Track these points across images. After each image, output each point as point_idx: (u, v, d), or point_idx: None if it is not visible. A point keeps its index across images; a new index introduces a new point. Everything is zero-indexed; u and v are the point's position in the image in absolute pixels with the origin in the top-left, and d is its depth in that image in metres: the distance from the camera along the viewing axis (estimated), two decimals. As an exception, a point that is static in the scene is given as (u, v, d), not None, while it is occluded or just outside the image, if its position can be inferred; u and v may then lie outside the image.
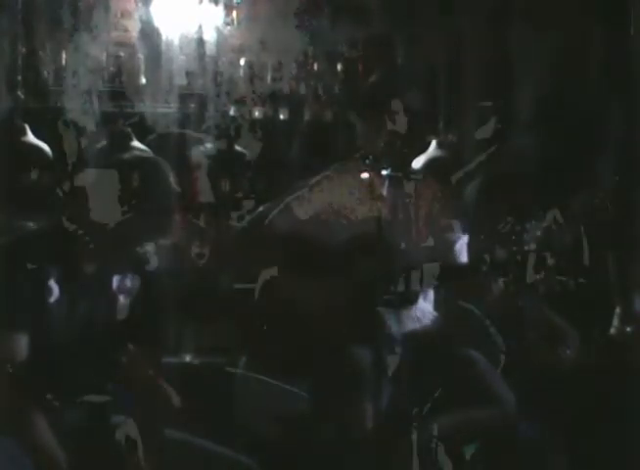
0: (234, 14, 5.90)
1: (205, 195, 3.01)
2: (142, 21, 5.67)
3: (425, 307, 3.40)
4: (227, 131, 5.31)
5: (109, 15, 5.58)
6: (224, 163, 5.32)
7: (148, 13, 5.65)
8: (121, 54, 5.91)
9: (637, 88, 3.63)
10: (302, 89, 6.15)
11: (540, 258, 3.18)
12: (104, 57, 5.76)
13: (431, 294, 3.44)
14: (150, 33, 5.65)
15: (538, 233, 3.20)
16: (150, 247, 2.94)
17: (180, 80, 5.68)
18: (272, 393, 2.97)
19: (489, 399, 3.19)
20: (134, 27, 5.75)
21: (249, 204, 5.81)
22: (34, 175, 4.77)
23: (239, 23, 5.91)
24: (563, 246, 3.37)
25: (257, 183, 5.41)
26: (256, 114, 5.96)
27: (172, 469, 2.63)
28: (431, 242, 3.51)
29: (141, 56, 5.79)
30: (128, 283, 2.84)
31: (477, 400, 3.16)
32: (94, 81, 5.49)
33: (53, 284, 2.75)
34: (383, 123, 3.44)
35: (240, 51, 6.03)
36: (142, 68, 5.82)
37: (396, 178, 3.31)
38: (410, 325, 3.33)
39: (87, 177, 2.83)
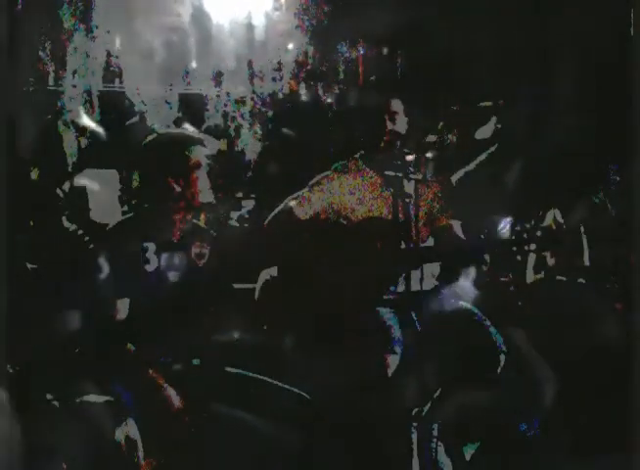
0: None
1: (205, 195, 3.01)
2: (193, 5, 5.76)
3: (465, 285, 3.41)
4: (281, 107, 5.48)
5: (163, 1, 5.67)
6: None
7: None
8: (174, 38, 5.97)
9: (637, 88, 3.63)
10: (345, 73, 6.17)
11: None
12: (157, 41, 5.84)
13: (472, 272, 3.44)
14: (201, 18, 5.76)
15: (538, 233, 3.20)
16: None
17: (230, 64, 5.81)
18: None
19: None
20: (186, 12, 5.83)
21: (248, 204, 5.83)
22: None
23: (287, 9, 5.97)
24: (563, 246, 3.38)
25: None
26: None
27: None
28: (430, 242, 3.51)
29: (192, 40, 5.89)
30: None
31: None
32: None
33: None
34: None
35: (288, 35, 6.06)
36: (193, 52, 5.93)
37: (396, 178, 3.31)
38: (451, 302, 3.36)
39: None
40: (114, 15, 5.39)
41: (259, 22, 5.80)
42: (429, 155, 3.56)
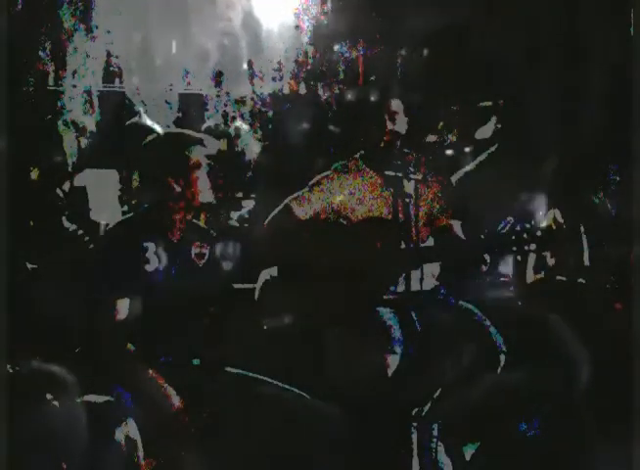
0: (328, 4, 6.04)
1: (205, 195, 3.01)
2: (244, 11, 5.87)
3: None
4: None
5: (215, 6, 5.78)
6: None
7: (250, 4, 5.88)
8: (226, 42, 6.04)
9: (637, 88, 3.63)
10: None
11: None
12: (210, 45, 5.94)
13: (509, 260, 3.45)
14: (251, 23, 5.88)
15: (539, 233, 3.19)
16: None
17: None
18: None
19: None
20: (237, 17, 5.93)
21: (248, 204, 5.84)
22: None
23: (332, 13, 6.05)
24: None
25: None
26: (349, 96, 6.08)
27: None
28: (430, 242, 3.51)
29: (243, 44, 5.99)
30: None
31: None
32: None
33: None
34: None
35: (333, 38, 6.11)
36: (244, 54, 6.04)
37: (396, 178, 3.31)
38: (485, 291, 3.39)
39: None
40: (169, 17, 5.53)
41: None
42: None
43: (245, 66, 6.09)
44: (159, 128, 5.63)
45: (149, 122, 5.82)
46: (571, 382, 3.25)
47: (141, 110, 5.83)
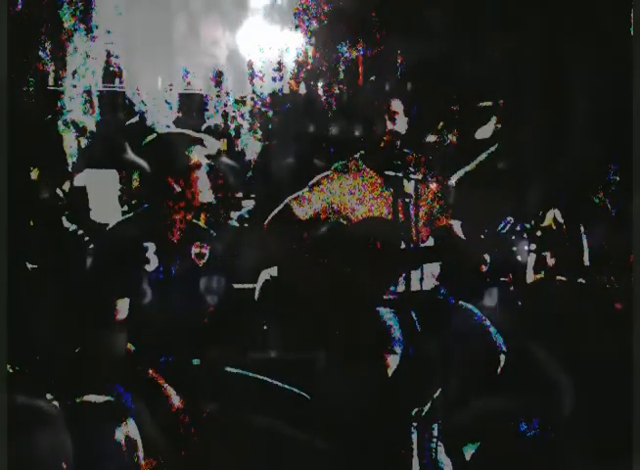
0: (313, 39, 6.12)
1: (205, 195, 3.00)
2: (229, 48, 5.96)
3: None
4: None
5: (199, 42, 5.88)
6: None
7: (234, 40, 5.98)
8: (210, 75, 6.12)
9: (638, 88, 3.63)
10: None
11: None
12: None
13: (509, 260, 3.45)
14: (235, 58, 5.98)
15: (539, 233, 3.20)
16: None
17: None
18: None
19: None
20: (222, 54, 6.02)
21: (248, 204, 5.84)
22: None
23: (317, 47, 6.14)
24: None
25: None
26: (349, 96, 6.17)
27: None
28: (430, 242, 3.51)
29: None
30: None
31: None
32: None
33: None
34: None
35: (333, 38, 6.16)
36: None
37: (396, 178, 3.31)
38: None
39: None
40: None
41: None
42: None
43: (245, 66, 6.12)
44: (158, 128, 5.64)
45: (149, 122, 5.82)
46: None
47: (141, 110, 5.84)
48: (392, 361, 3.14)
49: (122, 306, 2.85)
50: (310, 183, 3.52)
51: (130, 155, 5.30)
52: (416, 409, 3.11)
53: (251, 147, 6.12)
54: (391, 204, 3.30)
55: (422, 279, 3.18)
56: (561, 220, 4.21)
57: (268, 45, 6.00)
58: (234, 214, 5.67)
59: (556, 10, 4.96)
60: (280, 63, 6.18)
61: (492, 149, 4.49)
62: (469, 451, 3.35)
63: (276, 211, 3.50)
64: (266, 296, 3.98)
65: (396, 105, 3.47)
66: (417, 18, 5.41)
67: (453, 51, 5.24)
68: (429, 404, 3.12)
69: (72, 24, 5.59)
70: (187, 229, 3.03)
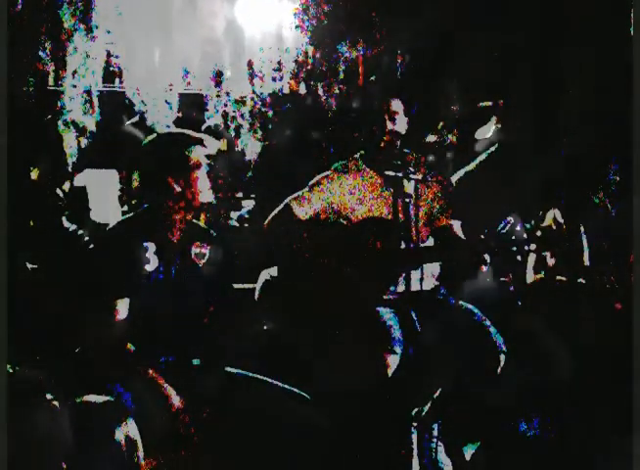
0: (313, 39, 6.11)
1: (205, 195, 3.00)
2: (227, 19, 5.93)
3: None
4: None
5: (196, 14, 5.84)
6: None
7: (232, 12, 5.93)
8: (209, 50, 6.08)
9: (638, 88, 3.63)
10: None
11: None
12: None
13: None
14: (234, 31, 5.95)
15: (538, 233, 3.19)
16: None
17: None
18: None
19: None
20: (220, 26, 5.99)
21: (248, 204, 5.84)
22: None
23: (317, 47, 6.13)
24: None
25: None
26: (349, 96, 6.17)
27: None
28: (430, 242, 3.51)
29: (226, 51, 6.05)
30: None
31: None
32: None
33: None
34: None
35: (333, 38, 6.14)
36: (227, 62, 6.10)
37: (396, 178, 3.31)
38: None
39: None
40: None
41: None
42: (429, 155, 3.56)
43: (228, 73, 6.11)
44: (158, 128, 5.64)
45: (149, 122, 5.82)
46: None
47: (141, 110, 5.84)
48: (392, 361, 3.14)
49: (122, 306, 2.85)
50: (310, 183, 3.52)
51: (130, 155, 5.30)
52: (416, 409, 3.12)
53: (251, 147, 6.13)
54: (391, 204, 3.30)
55: (422, 279, 3.18)
56: (561, 220, 4.21)
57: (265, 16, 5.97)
58: (234, 214, 5.68)
59: (556, 10, 4.96)
60: (280, 63, 6.18)
61: (492, 149, 4.48)
62: (469, 451, 3.35)
63: (276, 211, 3.50)
64: (266, 296, 3.98)
65: (396, 105, 3.47)
66: (417, 17, 5.41)
67: (452, 51, 5.25)
68: (429, 404, 3.12)
69: (72, 24, 5.59)
70: (187, 229, 3.03)
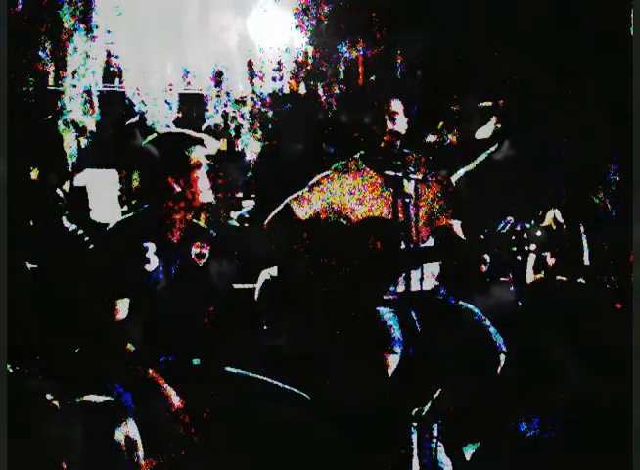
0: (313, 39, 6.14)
1: (205, 195, 3.00)
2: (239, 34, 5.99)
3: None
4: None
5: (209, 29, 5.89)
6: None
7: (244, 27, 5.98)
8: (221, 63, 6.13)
9: (638, 88, 3.63)
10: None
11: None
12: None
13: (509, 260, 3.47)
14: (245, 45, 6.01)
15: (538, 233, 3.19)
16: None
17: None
18: None
19: None
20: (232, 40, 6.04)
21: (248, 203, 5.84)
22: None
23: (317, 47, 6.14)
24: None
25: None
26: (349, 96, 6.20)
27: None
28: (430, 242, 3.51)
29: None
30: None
31: None
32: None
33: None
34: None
35: (333, 38, 6.16)
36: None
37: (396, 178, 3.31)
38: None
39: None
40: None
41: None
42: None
43: (240, 87, 6.13)
44: (158, 128, 5.64)
45: (149, 122, 5.82)
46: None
47: (141, 110, 5.84)
48: (392, 361, 3.14)
49: (122, 306, 2.85)
50: (310, 183, 3.52)
51: (130, 155, 5.30)
52: (416, 409, 3.12)
53: (251, 147, 6.13)
54: (391, 204, 3.29)
55: (422, 279, 3.18)
56: (561, 220, 4.21)
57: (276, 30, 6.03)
58: (234, 214, 5.68)
59: (556, 9, 4.96)
60: (280, 63, 6.17)
61: (492, 149, 4.49)
62: (469, 451, 3.35)
63: (276, 211, 3.50)
64: (266, 296, 3.98)
65: (396, 105, 3.47)
66: (417, 16, 5.41)
67: (453, 51, 5.25)
68: (429, 404, 3.12)
69: (72, 24, 5.59)
70: (187, 229, 3.03)
